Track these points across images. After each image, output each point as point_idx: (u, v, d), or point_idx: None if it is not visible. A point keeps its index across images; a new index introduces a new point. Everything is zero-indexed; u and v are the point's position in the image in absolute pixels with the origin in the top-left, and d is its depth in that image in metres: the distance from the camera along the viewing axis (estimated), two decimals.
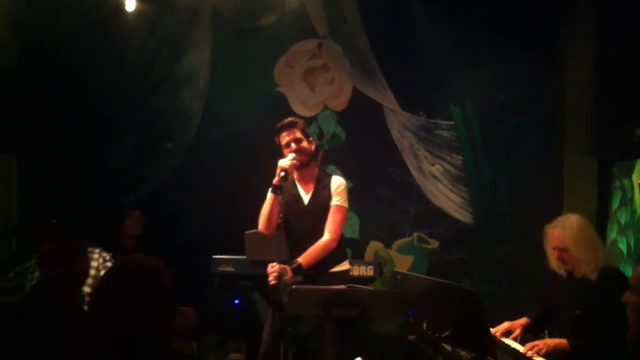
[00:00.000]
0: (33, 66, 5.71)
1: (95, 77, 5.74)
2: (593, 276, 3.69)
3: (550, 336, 3.99)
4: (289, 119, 4.26)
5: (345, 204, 4.18)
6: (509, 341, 3.84)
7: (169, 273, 2.11)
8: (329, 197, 4.16)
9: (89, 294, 3.58)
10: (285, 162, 4.04)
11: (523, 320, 4.03)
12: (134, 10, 5.62)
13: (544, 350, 3.53)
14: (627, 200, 5.10)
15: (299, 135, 4.18)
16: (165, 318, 2.06)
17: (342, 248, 4.31)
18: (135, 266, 2.12)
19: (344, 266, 4.21)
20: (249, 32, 5.81)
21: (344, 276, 4.14)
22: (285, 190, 4.09)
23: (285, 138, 4.18)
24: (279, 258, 3.89)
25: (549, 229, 3.88)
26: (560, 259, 3.84)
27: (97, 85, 5.75)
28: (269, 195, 4.11)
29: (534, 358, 3.46)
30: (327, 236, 4.09)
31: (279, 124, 4.23)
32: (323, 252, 4.05)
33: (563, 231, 3.79)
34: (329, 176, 4.30)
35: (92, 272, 3.89)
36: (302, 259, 4.00)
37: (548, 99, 5.61)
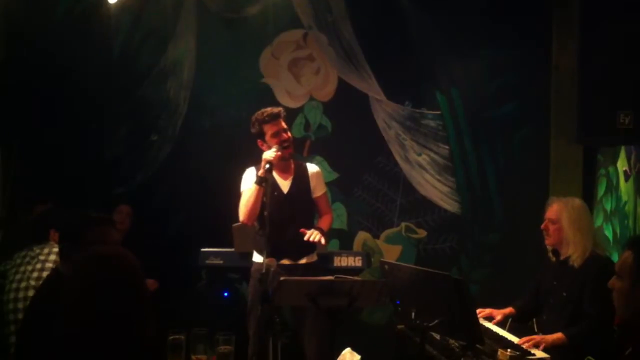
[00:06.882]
0: (22, 57, 5.71)
1: (83, 68, 5.72)
2: (577, 263, 3.72)
3: (538, 321, 4.02)
4: (271, 110, 4.23)
5: (325, 189, 4.47)
6: (498, 329, 3.85)
7: (134, 258, 2.13)
8: (307, 186, 4.28)
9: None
10: (270, 155, 4.03)
11: (507, 310, 4.05)
12: (119, 1, 5.59)
13: (542, 345, 3.53)
14: (613, 188, 5.12)
15: (284, 125, 4.22)
16: (143, 299, 2.10)
17: None
18: (100, 256, 2.14)
19: (314, 257, 4.33)
20: (234, 23, 5.78)
21: (315, 267, 4.30)
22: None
23: (272, 129, 4.17)
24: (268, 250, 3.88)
25: (553, 201, 3.89)
26: (545, 229, 3.85)
27: (85, 77, 5.73)
28: (253, 186, 4.10)
29: (532, 351, 3.46)
30: (329, 215, 4.44)
31: (261, 116, 4.20)
32: (331, 225, 4.42)
33: (564, 206, 3.80)
34: (303, 164, 4.42)
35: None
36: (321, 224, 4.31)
37: (534, 87, 5.62)
